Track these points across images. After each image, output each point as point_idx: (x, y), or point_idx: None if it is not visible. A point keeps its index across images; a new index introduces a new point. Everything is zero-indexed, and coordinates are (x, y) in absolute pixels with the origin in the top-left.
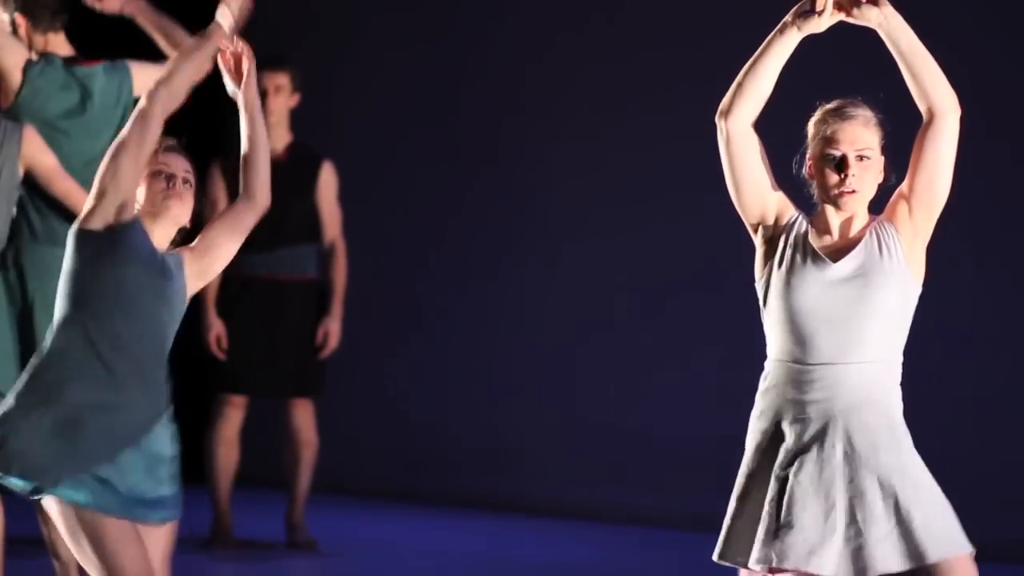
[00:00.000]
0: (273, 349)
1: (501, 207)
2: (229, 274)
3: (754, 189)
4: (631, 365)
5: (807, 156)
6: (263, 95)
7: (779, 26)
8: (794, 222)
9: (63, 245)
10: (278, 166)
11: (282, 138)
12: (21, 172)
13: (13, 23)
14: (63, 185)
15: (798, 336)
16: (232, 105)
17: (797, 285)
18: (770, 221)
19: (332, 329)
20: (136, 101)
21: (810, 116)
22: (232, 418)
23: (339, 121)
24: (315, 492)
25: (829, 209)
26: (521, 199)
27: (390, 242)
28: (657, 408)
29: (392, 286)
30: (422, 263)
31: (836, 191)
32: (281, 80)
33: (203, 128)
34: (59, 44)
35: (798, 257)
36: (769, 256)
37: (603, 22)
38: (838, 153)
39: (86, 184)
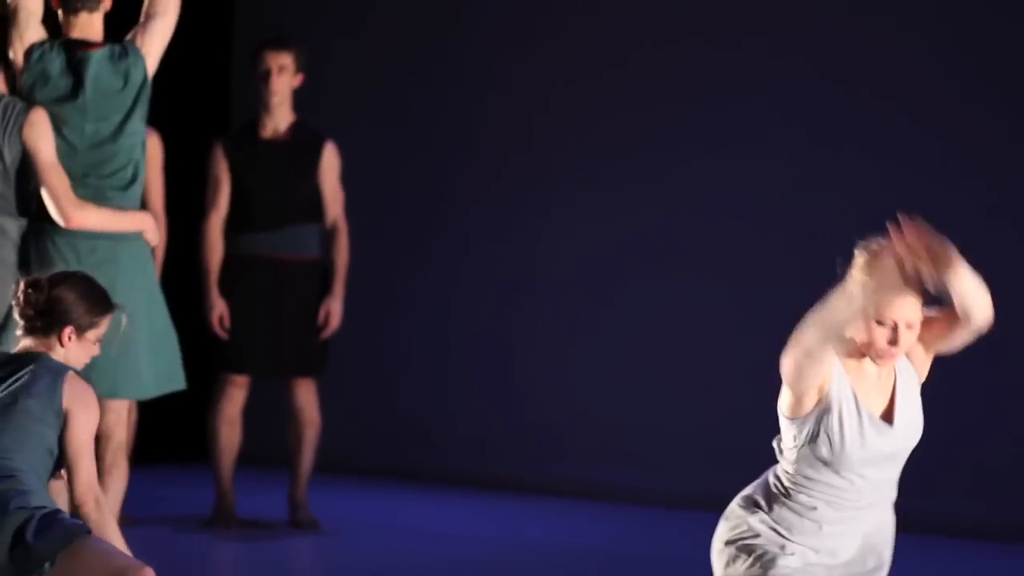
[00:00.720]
0: (275, 329)
1: (506, 187)
2: (232, 253)
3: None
4: (636, 346)
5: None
6: (267, 75)
7: (850, 294)
8: (836, 375)
9: (84, 237)
10: (281, 146)
11: (285, 118)
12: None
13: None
14: (50, 179)
15: (850, 478)
16: (237, 86)
17: (856, 443)
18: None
19: (334, 309)
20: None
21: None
22: (235, 397)
23: (342, 101)
24: (318, 471)
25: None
26: (526, 180)
27: (392, 222)
28: (664, 388)
29: (394, 266)
30: (425, 243)
31: (880, 355)
32: (285, 60)
33: (208, 109)
34: (85, 26)
35: (855, 416)
36: (815, 405)
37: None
38: (890, 323)
39: (92, 164)
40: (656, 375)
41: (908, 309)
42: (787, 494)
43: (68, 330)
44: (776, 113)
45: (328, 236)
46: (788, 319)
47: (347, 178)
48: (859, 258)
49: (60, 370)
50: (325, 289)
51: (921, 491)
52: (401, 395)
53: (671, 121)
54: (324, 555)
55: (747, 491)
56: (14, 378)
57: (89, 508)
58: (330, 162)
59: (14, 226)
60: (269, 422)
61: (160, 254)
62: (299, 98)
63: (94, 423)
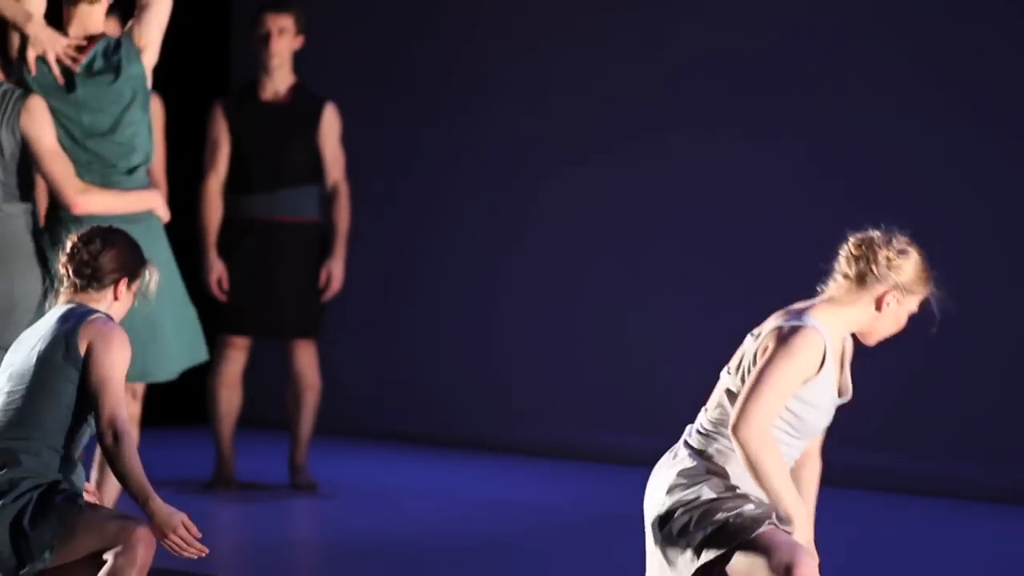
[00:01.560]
0: (275, 291)
1: (503, 151)
2: (231, 215)
3: None
4: (625, 310)
5: (895, 290)
6: (267, 37)
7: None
8: (825, 356)
9: (97, 220)
10: (281, 108)
11: (285, 80)
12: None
13: None
14: (51, 166)
15: (801, 442)
16: (236, 48)
17: (823, 415)
18: None
19: (335, 271)
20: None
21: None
22: (234, 360)
23: (343, 63)
24: (317, 434)
25: (844, 331)
26: (524, 146)
27: (392, 184)
28: (654, 348)
29: (394, 228)
30: (423, 206)
31: (888, 335)
32: (285, 22)
33: (207, 68)
34: (85, 18)
35: (831, 391)
36: (802, 383)
37: None
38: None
39: (96, 155)
40: (634, 335)
41: None
42: (734, 449)
43: (123, 281)
44: (772, 89)
45: (328, 198)
46: (774, 281)
47: (346, 140)
48: (885, 250)
49: (85, 314)
50: (324, 251)
51: (912, 452)
52: (400, 358)
53: (671, 99)
54: (323, 517)
55: (680, 464)
56: (44, 333)
57: (108, 443)
58: (330, 124)
59: (20, 209)
60: (269, 385)
61: None
62: (299, 60)
63: (119, 359)
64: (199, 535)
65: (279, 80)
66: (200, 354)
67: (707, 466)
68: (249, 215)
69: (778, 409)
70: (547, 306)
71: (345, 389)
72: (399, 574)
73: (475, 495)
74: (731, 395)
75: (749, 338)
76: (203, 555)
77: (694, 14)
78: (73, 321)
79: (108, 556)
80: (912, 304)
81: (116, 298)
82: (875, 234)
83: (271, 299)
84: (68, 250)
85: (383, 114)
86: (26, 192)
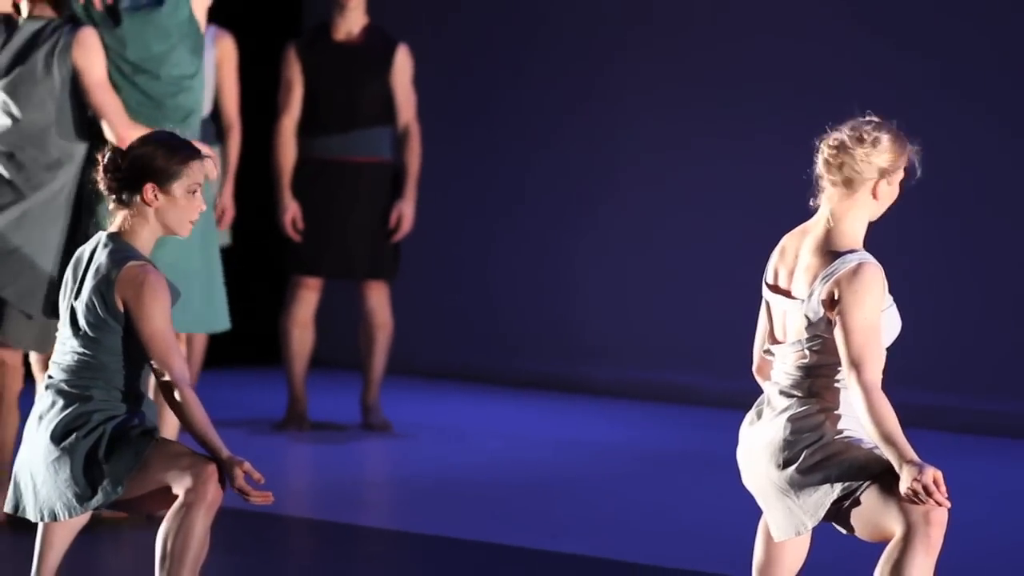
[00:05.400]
0: (347, 231)
1: (575, 93)
2: (304, 156)
3: None
4: (693, 248)
5: (883, 177)
6: None
7: (905, 453)
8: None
9: None
10: (354, 49)
11: (358, 21)
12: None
13: None
14: (101, 98)
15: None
16: None
17: (886, 330)
18: None
19: (406, 212)
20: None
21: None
22: (307, 300)
23: (416, 4)
24: (390, 374)
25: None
26: (591, 85)
27: (464, 125)
28: (721, 289)
29: (465, 169)
30: (495, 147)
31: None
32: None
33: (280, 9)
34: None
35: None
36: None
37: None
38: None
39: (145, 95)
40: (700, 276)
41: None
42: (838, 389)
43: (149, 186)
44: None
45: (400, 139)
46: None
47: (417, 82)
48: (859, 149)
49: (119, 262)
50: (396, 192)
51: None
52: (473, 297)
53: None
54: (396, 457)
55: (788, 412)
56: (86, 281)
57: (165, 398)
58: (403, 65)
59: (79, 150)
60: (342, 325)
61: (234, 158)
62: (370, 2)
63: (156, 312)
64: (262, 480)
65: (353, 21)
66: (225, 322)
67: (820, 405)
68: (322, 156)
69: (883, 351)
70: (619, 246)
71: (417, 329)
72: (468, 512)
73: (544, 433)
74: (817, 340)
75: (800, 275)
76: (268, 502)
77: None
78: (105, 272)
79: (179, 491)
80: (900, 175)
81: (149, 205)
82: (844, 135)
83: (344, 239)
84: (104, 162)
85: (458, 53)
86: (82, 131)
